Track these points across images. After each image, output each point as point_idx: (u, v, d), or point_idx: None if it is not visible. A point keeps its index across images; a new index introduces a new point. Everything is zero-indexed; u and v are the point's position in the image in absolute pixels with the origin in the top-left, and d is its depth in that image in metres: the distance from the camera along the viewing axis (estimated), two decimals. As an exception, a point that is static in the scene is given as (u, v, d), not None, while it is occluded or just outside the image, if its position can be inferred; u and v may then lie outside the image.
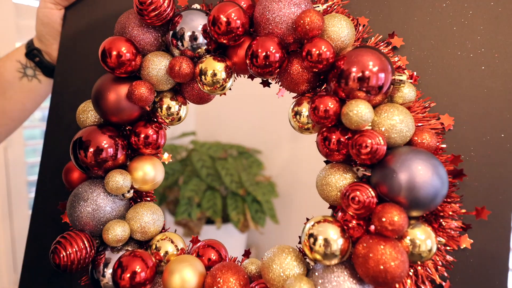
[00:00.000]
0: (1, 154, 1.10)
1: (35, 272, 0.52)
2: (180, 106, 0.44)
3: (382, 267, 0.30)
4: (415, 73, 0.38)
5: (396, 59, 0.38)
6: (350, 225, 0.34)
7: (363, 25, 0.40)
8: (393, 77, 0.34)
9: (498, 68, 0.37)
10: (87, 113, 0.45)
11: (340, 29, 0.36)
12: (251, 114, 1.48)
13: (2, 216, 1.12)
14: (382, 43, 0.39)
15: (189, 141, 1.48)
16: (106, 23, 0.51)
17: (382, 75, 0.33)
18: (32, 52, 0.56)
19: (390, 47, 0.39)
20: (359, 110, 0.32)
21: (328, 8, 0.40)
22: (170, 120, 0.44)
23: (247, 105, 1.46)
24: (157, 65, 0.41)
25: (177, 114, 0.44)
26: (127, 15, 0.42)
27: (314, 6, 0.39)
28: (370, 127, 0.34)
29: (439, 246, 0.35)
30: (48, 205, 0.52)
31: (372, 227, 0.33)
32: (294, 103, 0.40)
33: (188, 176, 1.37)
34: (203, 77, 0.39)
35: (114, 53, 0.39)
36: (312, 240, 0.33)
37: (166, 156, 0.47)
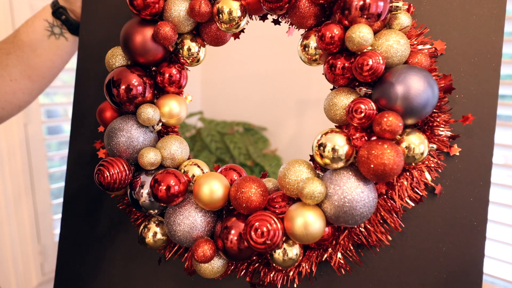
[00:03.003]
0: (22, 131, 1.16)
1: (72, 227, 0.59)
2: (200, 47, 0.49)
3: (381, 161, 0.35)
4: (411, 4, 0.43)
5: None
6: (354, 137, 0.39)
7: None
8: (391, 4, 0.39)
9: (485, -4, 0.41)
10: (116, 57, 0.50)
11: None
12: (256, 93, 1.52)
13: (25, 190, 1.19)
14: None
15: (197, 119, 1.54)
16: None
17: (381, 3, 0.38)
18: (58, 10, 0.61)
19: (388, -18, 0.44)
20: (361, 32, 0.37)
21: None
22: (190, 60, 0.49)
23: (251, 84, 1.50)
24: (178, 7, 0.45)
25: (197, 55, 0.49)
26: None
27: None
28: (371, 48, 0.39)
29: (431, 152, 0.40)
30: (82, 154, 0.58)
31: (373, 138, 0.39)
32: (302, 38, 0.45)
33: (198, 150, 1.44)
34: (220, 15, 0.44)
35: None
36: (322, 148, 0.39)
37: (189, 98, 0.52)
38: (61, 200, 1.17)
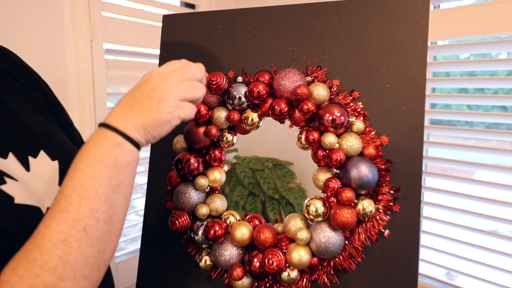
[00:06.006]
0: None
1: (152, 248, 0.85)
2: (233, 136, 0.75)
3: (343, 218, 0.59)
4: (366, 112, 0.67)
5: (352, 104, 0.67)
6: (330, 200, 0.63)
7: (336, 85, 0.69)
8: (348, 119, 0.63)
9: (411, 108, 0.65)
10: (179, 143, 0.77)
11: (320, 92, 0.66)
12: (282, 131, 1.77)
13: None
14: (348, 96, 0.68)
15: (233, 157, 1.82)
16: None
17: (342, 117, 0.62)
18: None
19: (351, 97, 0.68)
20: (329, 139, 0.62)
21: (314, 79, 0.69)
22: (228, 145, 0.75)
23: (278, 126, 1.75)
24: (220, 116, 0.72)
25: (232, 141, 0.75)
26: (200, 87, 0.74)
27: (306, 77, 0.69)
28: (337, 146, 0.63)
29: (378, 210, 0.64)
30: (156, 202, 0.85)
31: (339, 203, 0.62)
32: (298, 132, 0.70)
33: (234, 185, 1.70)
34: (245, 121, 0.70)
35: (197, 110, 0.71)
36: (308, 208, 0.63)
37: (225, 168, 0.79)
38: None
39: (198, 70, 0.59)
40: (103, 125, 0.51)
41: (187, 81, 0.56)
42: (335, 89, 0.69)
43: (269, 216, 1.61)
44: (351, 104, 0.67)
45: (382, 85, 0.67)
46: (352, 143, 0.63)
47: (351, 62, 0.70)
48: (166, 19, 0.86)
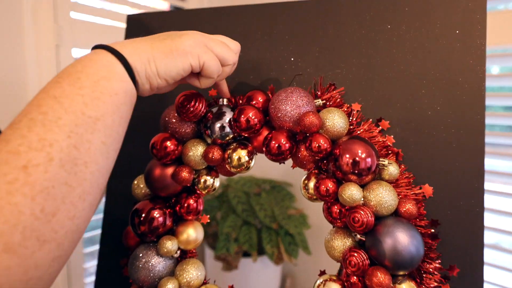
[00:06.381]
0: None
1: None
2: (214, 179, 0.55)
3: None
4: (400, 151, 0.47)
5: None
6: (352, 281, 0.43)
7: (357, 111, 0.50)
8: (377, 161, 0.43)
9: (466, 145, 0.45)
10: (139, 187, 0.57)
11: (336, 122, 0.46)
12: None
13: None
14: (374, 127, 0.49)
15: (225, 178, 1.60)
16: (150, 109, 0.64)
17: (369, 159, 0.43)
18: None
19: (378, 129, 0.48)
20: (351, 193, 0.42)
21: (327, 102, 0.50)
22: (206, 191, 0.55)
23: None
24: (194, 152, 0.52)
25: (212, 185, 0.55)
26: (169, 112, 0.54)
27: (315, 100, 0.49)
28: (362, 201, 0.43)
29: (425, 296, 0.43)
30: (110, 261, 0.64)
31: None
32: (305, 177, 0.50)
33: (225, 212, 1.49)
34: (229, 161, 0.50)
35: (160, 147, 0.51)
36: (320, 294, 0.42)
37: (203, 222, 0.58)
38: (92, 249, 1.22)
39: (237, 47, 0.48)
40: (98, 46, 0.39)
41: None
42: (355, 117, 0.49)
43: (266, 249, 1.39)
44: (379, 138, 0.48)
45: (422, 112, 0.48)
46: (383, 197, 0.43)
47: (377, 79, 0.50)
48: (131, 19, 0.67)
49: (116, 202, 0.66)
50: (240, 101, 0.54)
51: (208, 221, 0.58)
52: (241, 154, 0.50)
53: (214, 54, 0.44)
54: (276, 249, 1.44)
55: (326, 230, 0.49)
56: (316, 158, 0.46)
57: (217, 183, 0.55)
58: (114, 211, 0.66)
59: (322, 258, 1.43)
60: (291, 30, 0.55)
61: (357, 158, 0.43)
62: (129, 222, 0.54)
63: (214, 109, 0.52)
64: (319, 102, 0.49)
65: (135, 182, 0.57)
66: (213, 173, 0.55)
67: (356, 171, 0.43)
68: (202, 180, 0.54)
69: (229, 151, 0.50)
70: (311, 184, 0.48)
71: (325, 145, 0.44)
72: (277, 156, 0.47)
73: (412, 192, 0.45)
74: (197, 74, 0.45)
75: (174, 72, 0.41)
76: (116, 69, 0.37)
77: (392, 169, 0.44)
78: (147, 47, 0.40)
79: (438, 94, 0.47)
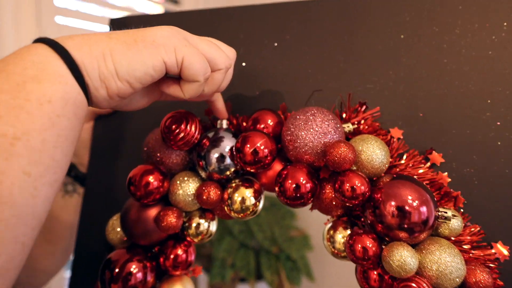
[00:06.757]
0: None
1: None
2: (210, 222, 0.43)
3: None
4: (459, 193, 0.35)
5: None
6: None
7: (398, 138, 0.38)
8: (436, 212, 0.31)
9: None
10: (113, 231, 0.44)
11: (373, 155, 0.34)
12: None
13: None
14: (421, 160, 0.37)
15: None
16: (135, 131, 0.52)
17: (425, 210, 0.31)
18: None
19: (428, 164, 0.37)
20: (401, 258, 0.30)
21: (358, 124, 0.38)
22: (200, 238, 0.43)
23: None
24: (185, 190, 0.40)
25: (207, 231, 0.43)
26: (152, 137, 0.42)
27: (344, 125, 0.37)
28: (415, 268, 0.31)
29: None
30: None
31: None
32: (329, 226, 0.38)
33: (221, 234, 1.36)
34: (231, 203, 0.38)
35: (140, 183, 0.38)
36: None
37: (197, 269, 0.45)
38: None
39: (232, 53, 0.36)
40: (39, 39, 0.28)
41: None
42: (395, 147, 0.38)
43: (265, 276, 1.26)
44: (430, 177, 0.36)
45: (488, 141, 0.36)
46: (445, 263, 0.30)
47: (422, 96, 0.38)
48: (114, 23, 0.55)
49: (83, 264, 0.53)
50: (244, 124, 0.42)
51: (201, 273, 0.46)
52: (246, 194, 0.38)
53: (199, 51, 0.32)
54: (277, 276, 1.31)
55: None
56: (350, 205, 0.33)
57: (213, 227, 0.43)
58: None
59: (326, 284, 1.31)
60: (308, 35, 0.44)
61: (407, 207, 0.31)
62: (98, 277, 0.41)
63: (211, 134, 0.40)
64: (350, 127, 0.37)
65: (110, 223, 0.45)
66: (208, 215, 0.43)
67: (406, 226, 0.31)
68: (194, 225, 0.42)
69: (229, 190, 0.38)
70: (339, 237, 0.36)
71: (363, 188, 0.32)
72: (295, 200, 0.35)
73: (481, 254, 0.33)
74: (178, 80, 0.33)
75: (140, 71, 0.29)
76: (52, 66, 0.26)
77: (455, 223, 0.32)
78: (102, 37, 0.28)
79: (510, 118, 0.35)
